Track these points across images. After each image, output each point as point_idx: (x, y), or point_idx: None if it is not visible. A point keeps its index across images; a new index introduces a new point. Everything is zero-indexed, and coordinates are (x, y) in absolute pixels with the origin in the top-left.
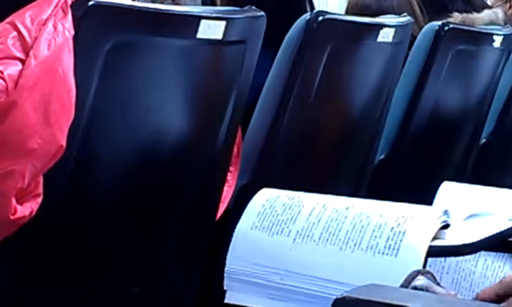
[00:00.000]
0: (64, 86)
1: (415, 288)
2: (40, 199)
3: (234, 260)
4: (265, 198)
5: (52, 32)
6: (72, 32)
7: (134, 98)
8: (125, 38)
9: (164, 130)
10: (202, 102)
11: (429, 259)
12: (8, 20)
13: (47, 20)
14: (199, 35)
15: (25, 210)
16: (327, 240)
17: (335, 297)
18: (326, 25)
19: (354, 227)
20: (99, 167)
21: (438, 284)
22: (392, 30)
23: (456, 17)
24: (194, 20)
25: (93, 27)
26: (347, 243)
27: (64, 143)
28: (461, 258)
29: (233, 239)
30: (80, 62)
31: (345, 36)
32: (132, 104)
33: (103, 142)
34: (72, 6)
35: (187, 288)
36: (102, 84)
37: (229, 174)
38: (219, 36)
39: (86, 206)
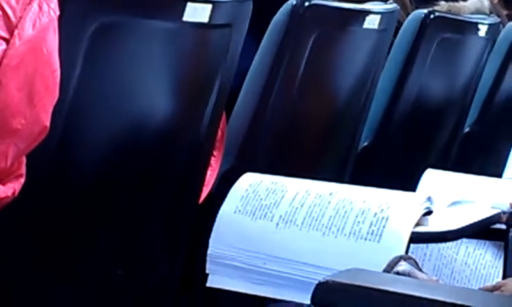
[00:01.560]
0: (48, 67)
1: (398, 273)
2: (22, 180)
3: (217, 244)
4: (249, 183)
5: (37, 12)
6: (57, 13)
7: (118, 80)
8: (110, 19)
9: (148, 112)
10: (187, 85)
11: (412, 246)
12: None
13: None
14: (185, 18)
15: (8, 190)
16: (310, 225)
17: (317, 282)
18: (312, 11)
19: (337, 212)
20: (83, 148)
21: (420, 270)
22: (378, 17)
23: (443, 6)
24: (180, 3)
25: (79, 8)
26: (330, 228)
27: (48, 124)
28: (443, 245)
29: (216, 223)
30: (65, 43)
31: (331, 22)
32: (116, 86)
33: (87, 123)
34: None
35: (170, 271)
36: (86, 65)
37: (213, 158)
38: (205, 20)
39: (69, 187)
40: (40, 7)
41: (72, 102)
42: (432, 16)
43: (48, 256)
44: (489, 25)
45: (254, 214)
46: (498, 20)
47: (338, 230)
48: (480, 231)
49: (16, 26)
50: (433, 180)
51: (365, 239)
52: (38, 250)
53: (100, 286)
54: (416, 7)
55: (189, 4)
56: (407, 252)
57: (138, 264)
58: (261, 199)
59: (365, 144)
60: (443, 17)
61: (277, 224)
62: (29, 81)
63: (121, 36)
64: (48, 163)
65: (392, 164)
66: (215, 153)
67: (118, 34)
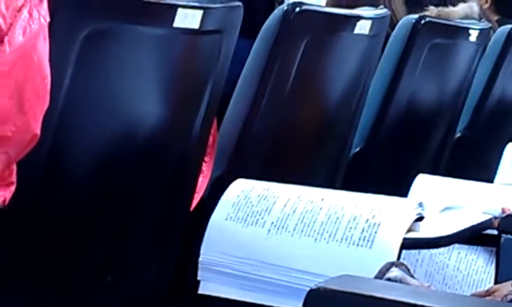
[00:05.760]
0: (39, 74)
1: (389, 279)
2: (13, 188)
3: (208, 251)
4: (240, 189)
5: (27, 19)
6: (48, 19)
7: (110, 86)
8: (101, 25)
9: (139, 119)
10: (178, 91)
11: (404, 251)
12: None
13: (22, 6)
14: (175, 24)
15: None
16: (302, 231)
17: (309, 288)
18: (303, 17)
19: (329, 218)
20: (73, 156)
21: (412, 276)
22: (369, 22)
23: (432, 11)
24: (171, 9)
25: (69, 15)
26: (322, 234)
27: (38, 131)
28: (434, 250)
29: (207, 230)
30: (56, 50)
31: (322, 28)
32: (107, 93)
33: (77, 130)
34: None
35: (161, 278)
36: (77, 72)
37: (204, 164)
38: (196, 26)
39: (59, 195)
40: (31, 14)
41: (63, 109)
42: (423, 21)
43: (37, 264)
44: (480, 30)
45: (245, 221)
46: (489, 25)
47: (330, 236)
48: (472, 236)
49: (6, 33)
50: (425, 185)
51: (357, 245)
52: (28, 257)
53: (89, 293)
54: (409, 13)
55: (179, 10)
56: (399, 258)
57: (129, 271)
58: (252, 205)
59: (357, 149)
60: (434, 22)
61: (269, 231)
62: (19, 88)
63: (112, 42)
64: (39, 171)
65: (383, 169)
66: (206, 159)
67: (108, 40)
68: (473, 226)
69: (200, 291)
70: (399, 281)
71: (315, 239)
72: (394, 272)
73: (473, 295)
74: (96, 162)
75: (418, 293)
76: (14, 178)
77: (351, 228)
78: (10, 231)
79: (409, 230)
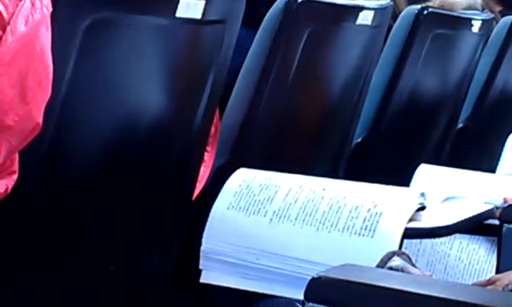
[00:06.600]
0: (41, 63)
1: (391, 268)
2: (15, 177)
3: (210, 240)
4: (242, 178)
5: (29, 8)
6: (50, 9)
7: (112, 76)
8: (103, 15)
9: (141, 109)
10: (180, 81)
11: (405, 241)
12: None
13: None
14: (178, 14)
15: (1, 187)
16: (303, 220)
17: (310, 277)
18: (305, 7)
19: (331, 208)
20: (75, 145)
21: (414, 265)
22: (372, 13)
23: (435, 1)
24: None
25: (71, 4)
26: (323, 223)
27: (40, 121)
28: (436, 240)
29: (209, 219)
30: (58, 40)
31: (324, 18)
32: (109, 83)
33: (80, 120)
34: None
35: (163, 267)
36: (79, 62)
37: (206, 154)
38: (198, 16)
39: (62, 184)
40: (33, 4)
41: (65, 99)
42: (425, 12)
43: (39, 253)
44: (483, 21)
45: (247, 210)
46: (492, 16)
47: (331, 225)
48: (474, 226)
49: (8, 22)
50: (427, 175)
51: (359, 234)
52: (30, 247)
53: (92, 283)
54: (411, 3)
55: (182, 0)
56: (400, 247)
57: (131, 260)
58: (254, 194)
59: (359, 140)
60: (437, 13)
61: (270, 220)
62: (21, 78)
63: (114, 32)
64: (41, 160)
65: (385, 159)
66: (208, 149)
67: (110, 30)
68: (475, 216)
69: (201, 280)
70: (400, 270)
71: (317, 228)
72: (396, 262)
73: (474, 284)
74: (98, 152)
75: (419, 283)
76: (16, 167)
77: (352, 217)
78: (12, 220)
79: (411, 220)
